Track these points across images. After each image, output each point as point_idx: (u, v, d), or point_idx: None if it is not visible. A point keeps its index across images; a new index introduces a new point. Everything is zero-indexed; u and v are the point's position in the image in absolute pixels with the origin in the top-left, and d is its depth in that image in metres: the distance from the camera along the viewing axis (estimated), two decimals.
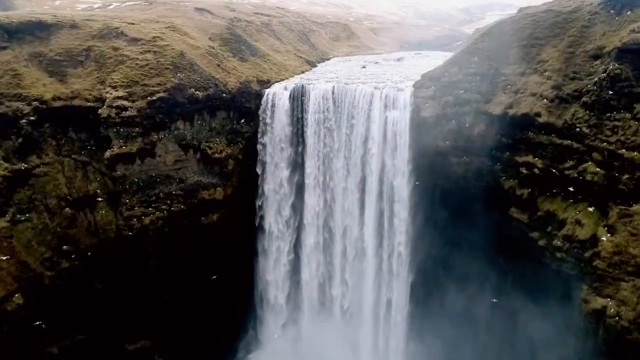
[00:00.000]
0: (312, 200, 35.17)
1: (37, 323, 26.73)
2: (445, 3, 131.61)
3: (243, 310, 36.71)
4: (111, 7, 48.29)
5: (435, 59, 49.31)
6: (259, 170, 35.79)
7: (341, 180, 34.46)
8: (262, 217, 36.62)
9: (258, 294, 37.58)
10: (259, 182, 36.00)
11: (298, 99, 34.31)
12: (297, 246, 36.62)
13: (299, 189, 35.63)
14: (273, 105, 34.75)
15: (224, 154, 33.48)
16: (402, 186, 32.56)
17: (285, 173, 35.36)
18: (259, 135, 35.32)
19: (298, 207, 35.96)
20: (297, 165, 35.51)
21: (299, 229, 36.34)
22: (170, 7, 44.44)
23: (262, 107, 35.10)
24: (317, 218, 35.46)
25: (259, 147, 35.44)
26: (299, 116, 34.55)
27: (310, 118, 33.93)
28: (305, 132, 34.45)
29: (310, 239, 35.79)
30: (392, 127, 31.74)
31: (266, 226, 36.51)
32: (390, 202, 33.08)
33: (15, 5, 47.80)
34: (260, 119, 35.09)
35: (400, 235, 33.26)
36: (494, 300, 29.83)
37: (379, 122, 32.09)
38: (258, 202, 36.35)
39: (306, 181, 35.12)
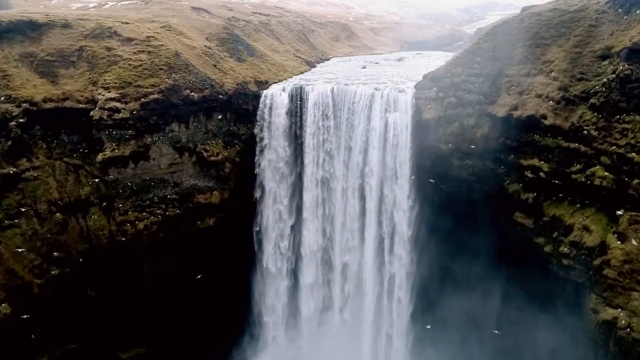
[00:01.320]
0: (311, 237, 34.33)
1: (26, 333, 25.79)
2: (446, 3, 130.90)
3: (241, 317, 35.79)
4: (106, 6, 47.43)
5: (437, 59, 48.56)
6: (257, 194, 34.85)
7: (340, 214, 33.61)
8: (259, 243, 35.59)
9: (255, 317, 36.63)
10: (257, 208, 34.99)
11: (296, 116, 33.37)
12: (295, 271, 35.61)
13: (299, 210, 34.70)
14: (270, 124, 33.70)
15: (220, 156, 32.59)
16: (403, 223, 31.76)
17: (284, 202, 34.46)
18: (255, 158, 34.36)
19: (297, 230, 35.03)
20: (297, 187, 34.56)
21: (297, 255, 35.35)
22: (166, 6, 43.57)
23: (257, 126, 33.95)
24: (316, 253, 34.66)
25: (257, 169, 34.55)
26: (298, 133, 33.65)
27: (309, 141, 33.01)
28: (303, 151, 33.58)
29: (308, 277, 34.87)
30: (392, 132, 30.82)
31: (264, 259, 35.50)
32: (391, 239, 32.33)
33: (11, 5, 47.01)
34: (258, 139, 34.12)
35: (400, 280, 32.46)
36: (495, 331, 29.07)
37: (378, 146, 31.10)
38: (255, 227, 35.45)
39: (304, 215, 34.22)
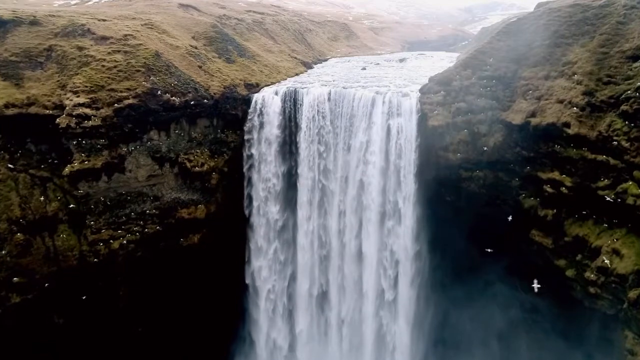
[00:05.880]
0: (304, 288, 31.88)
1: None
2: (447, 3, 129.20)
3: (230, 342, 32.80)
4: (89, 3, 44.53)
5: (441, 60, 45.94)
6: (247, 209, 32.28)
7: (335, 236, 30.94)
8: (252, 275, 32.99)
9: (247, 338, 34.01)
10: (247, 223, 32.33)
11: (290, 122, 30.56)
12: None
13: (294, 223, 32.07)
14: (260, 131, 30.82)
15: (205, 167, 29.62)
16: (407, 237, 28.96)
17: (275, 218, 31.81)
18: (244, 168, 31.57)
19: (292, 243, 32.40)
20: (291, 198, 31.79)
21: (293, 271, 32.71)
22: (151, 2, 40.62)
23: (247, 133, 31.04)
24: (312, 303, 32.22)
25: (245, 181, 31.97)
26: (292, 140, 30.77)
27: (304, 149, 30.12)
28: (298, 159, 30.82)
29: (303, 325, 32.45)
30: (395, 140, 27.87)
31: (257, 306, 33.15)
32: (393, 257, 29.77)
33: None
34: (246, 148, 31.29)
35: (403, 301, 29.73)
36: None
37: (379, 155, 28.51)
38: (248, 260, 32.87)
39: (299, 228, 31.55)
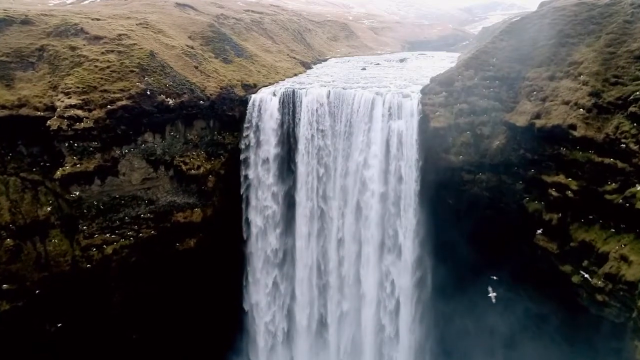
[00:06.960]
0: (303, 316, 31.16)
1: None
2: (447, 2, 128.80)
3: (227, 353, 32.11)
4: (85, 2, 43.86)
5: (442, 60, 45.37)
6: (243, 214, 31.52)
7: (333, 248, 30.14)
8: (250, 305, 32.41)
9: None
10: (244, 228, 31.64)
11: (288, 124, 29.75)
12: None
13: (292, 232, 31.31)
14: (258, 133, 30.01)
15: (202, 169, 28.95)
16: (407, 242, 28.15)
17: (280, 287, 31.38)
18: (241, 172, 30.77)
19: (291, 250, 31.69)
20: (288, 201, 30.99)
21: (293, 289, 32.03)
22: (147, 2, 39.91)
23: (243, 136, 30.13)
24: (311, 333, 31.53)
25: (242, 187, 31.14)
26: (290, 143, 30.02)
27: (302, 151, 29.21)
28: (296, 163, 29.92)
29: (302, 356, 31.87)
30: (396, 143, 27.13)
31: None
32: (394, 264, 29.01)
33: None
34: (243, 151, 30.44)
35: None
36: None
37: (380, 158, 27.77)
38: (246, 287, 32.27)
39: (297, 312, 31.01)
